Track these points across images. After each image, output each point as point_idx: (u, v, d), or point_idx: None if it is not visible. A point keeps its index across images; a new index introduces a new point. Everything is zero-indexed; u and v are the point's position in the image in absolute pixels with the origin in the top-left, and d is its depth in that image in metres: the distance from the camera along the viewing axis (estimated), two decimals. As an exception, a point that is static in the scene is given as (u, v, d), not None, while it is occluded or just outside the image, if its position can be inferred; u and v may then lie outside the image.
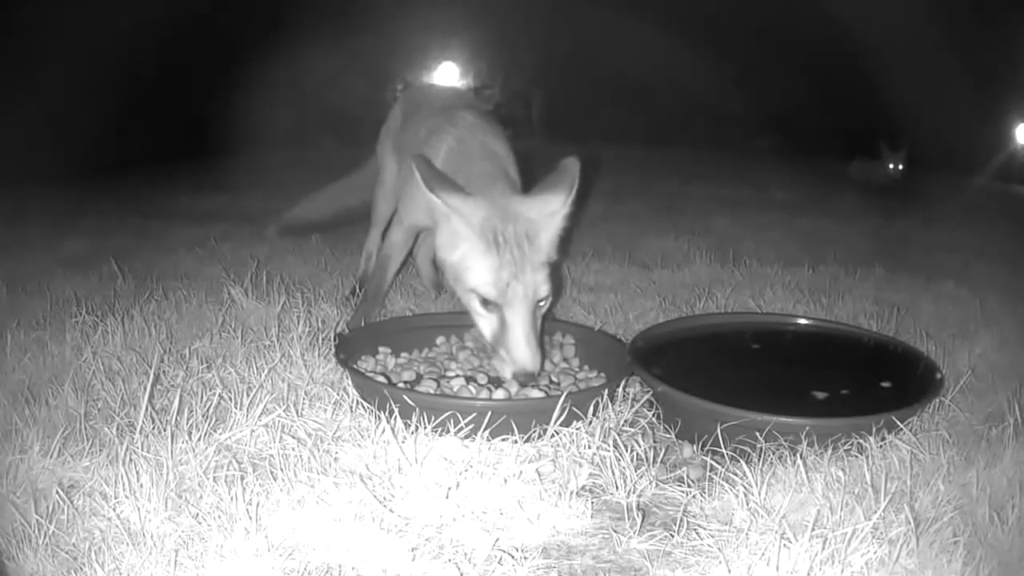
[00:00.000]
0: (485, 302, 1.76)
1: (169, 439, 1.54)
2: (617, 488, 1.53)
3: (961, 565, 1.29)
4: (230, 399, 1.75)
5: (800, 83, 6.74)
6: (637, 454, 1.63)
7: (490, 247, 1.73)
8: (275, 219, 3.54)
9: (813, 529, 1.32)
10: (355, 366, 1.93)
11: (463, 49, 7.80)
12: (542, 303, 1.78)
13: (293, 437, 1.64)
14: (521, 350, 1.69)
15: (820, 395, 1.84)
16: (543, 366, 1.81)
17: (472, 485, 1.50)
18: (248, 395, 1.75)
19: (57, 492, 1.42)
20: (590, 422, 1.72)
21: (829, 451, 1.60)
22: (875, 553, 1.29)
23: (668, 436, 1.80)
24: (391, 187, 2.64)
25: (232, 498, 1.40)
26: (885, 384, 1.90)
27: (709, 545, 1.36)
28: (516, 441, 1.65)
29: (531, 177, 2.15)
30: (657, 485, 1.55)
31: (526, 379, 1.73)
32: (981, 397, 1.95)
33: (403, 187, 2.27)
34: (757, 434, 1.61)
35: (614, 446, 1.60)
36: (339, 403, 1.79)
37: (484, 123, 2.22)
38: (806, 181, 5.58)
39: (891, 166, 5.07)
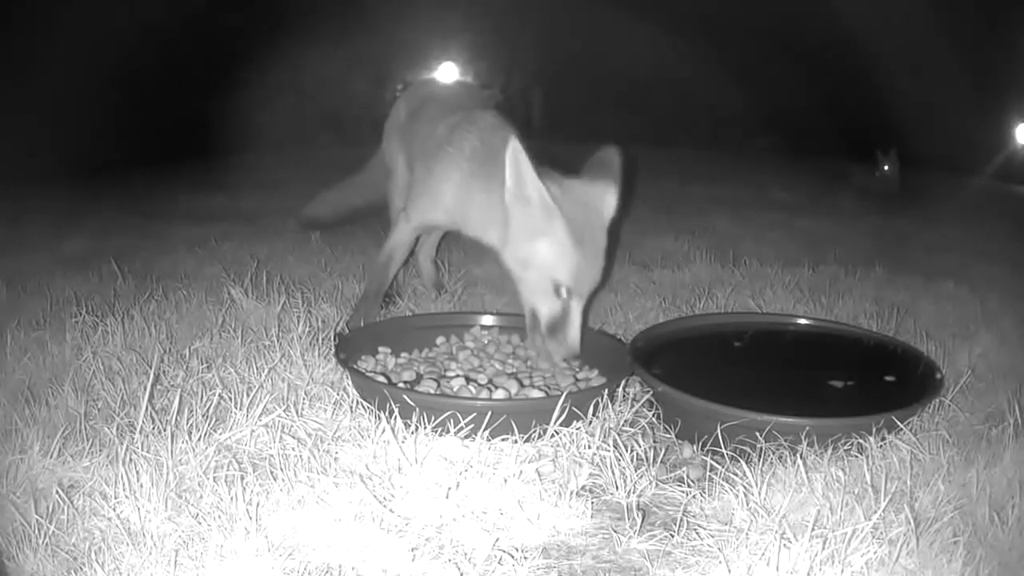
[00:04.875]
0: (557, 289, 1.84)
1: (169, 439, 1.54)
2: (617, 488, 1.53)
3: (961, 565, 1.29)
4: (230, 399, 1.75)
5: (800, 83, 6.74)
6: (637, 454, 1.63)
7: (578, 243, 1.81)
8: (297, 215, 3.50)
9: (813, 529, 1.32)
10: (355, 366, 1.93)
11: (463, 49, 7.79)
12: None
13: (293, 437, 1.64)
14: (575, 337, 1.83)
15: (838, 384, 1.86)
16: None
17: (472, 485, 1.50)
18: (248, 395, 1.75)
19: (57, 492, 1.42)
20: (590, 422, 1.72)
21: (829, 451, 1.60)
22: (875, 553, 1.29)
23: (668, 436, 1.81)
24: (404, 182, 2.64)
25: (232, 498, 1.40)
26: (889, 378, 1.92)
27: (709, 545, 1.36)
28: (516, 441, 1.65)
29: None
30: (657, 485, 1.55)
31: (573, 360, 1.86)
32: (981, 397, 1.95)
33: (420, 184, 2.27)
34: (757, 434, 1.61)
35: (614, 446, 1.60)
36: (339, 403, 1.79)
37: (502, 122, 2.28)
38: (806, 181, 5.57)
39: (885, 168, 5.17)
